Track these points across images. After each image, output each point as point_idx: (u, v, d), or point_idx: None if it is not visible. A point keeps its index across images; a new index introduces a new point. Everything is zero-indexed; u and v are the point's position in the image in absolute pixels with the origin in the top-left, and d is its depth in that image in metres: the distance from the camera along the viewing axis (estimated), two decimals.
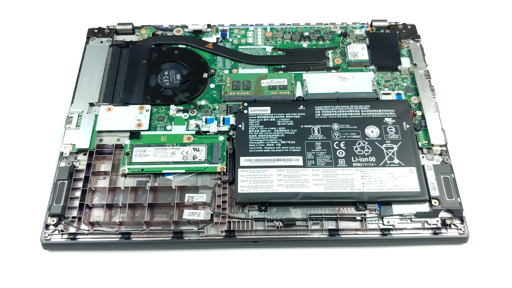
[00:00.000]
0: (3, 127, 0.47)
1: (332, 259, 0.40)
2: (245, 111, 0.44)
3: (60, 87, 0.49)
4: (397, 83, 0.47)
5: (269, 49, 0.50)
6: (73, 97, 0.46)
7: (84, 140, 0.43)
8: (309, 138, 0.43)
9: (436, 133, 0.43)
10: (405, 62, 0.48)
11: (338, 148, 0.42)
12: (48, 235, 0.39)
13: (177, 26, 0.51)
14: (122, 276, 0.39)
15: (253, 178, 0.40)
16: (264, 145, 0.42)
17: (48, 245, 0.39)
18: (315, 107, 0.44)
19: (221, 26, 0.51)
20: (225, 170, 0.41)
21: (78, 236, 0.39)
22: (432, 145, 0.43)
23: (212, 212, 0.39)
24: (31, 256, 0.40)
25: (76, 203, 0.40)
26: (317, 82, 0.46)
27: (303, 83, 0.47)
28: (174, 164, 0.42)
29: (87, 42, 0.50)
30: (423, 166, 0.41)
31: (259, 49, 0.50)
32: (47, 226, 0.39)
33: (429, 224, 0.39)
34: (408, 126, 0.43)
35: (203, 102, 0.46)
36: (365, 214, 0.40)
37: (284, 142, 0.42)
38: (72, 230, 0.39)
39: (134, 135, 0.44)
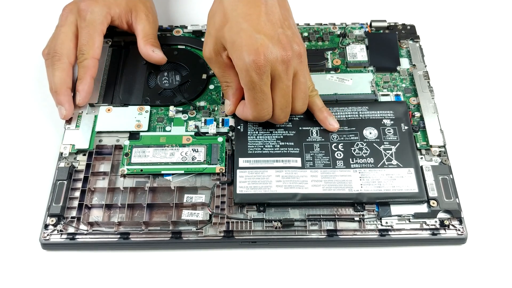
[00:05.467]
0: (3, 127, 0.47)
1: (330, 260, 0.40)
2: None
3: None
4: (396, 84, 0.47)
5: None
6: (73, 97, 0.46)
7: (83, 141, 0.43)
8: (307, 139, 0.43)
9: (434, 134, 0.43)
10: (404, 63, 0.48)
11: (336, 149, 0.42)
12: (47, 235, 0.39)
13: (177, 27, 0.52)
14: (121, 276, 0.39)
15: (252, 179, 0.40)
16: (262, 146, 0.42)
17: (47, 245, 0.39)
18: None
19: None
20: (224, 171, 0.41)
21: (77, 236, 0.39)
22: (431, 146, 0.43)
23: (210, 213, 0.40)
24: (30, 256, 0.40)
25: (75, 203, 0.40)
26: (316, 84, 0.45)
27: None
28: (173, 165, 0.42)
29: None
30: (421, 167, 0.41)
31: None
32: (46, 226, 0.39)
33: (428, 224, 0.39)
34: (406, 127, 0.43)
35: (202, 103, 0.46)
36: (363, 215, 0.40)
37: (283, 143, 0.42)
38: (71, 230, 0.39)
39: (134, 136, 0.44)
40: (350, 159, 0.42)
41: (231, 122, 0.44)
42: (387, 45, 0.49)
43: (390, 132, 0.43)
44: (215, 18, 0.39)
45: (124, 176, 0.42)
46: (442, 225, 0.39)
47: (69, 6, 0.47)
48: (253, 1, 0.38)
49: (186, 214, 0.40)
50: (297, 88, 0.40)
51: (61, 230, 0.39)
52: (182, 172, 0.42)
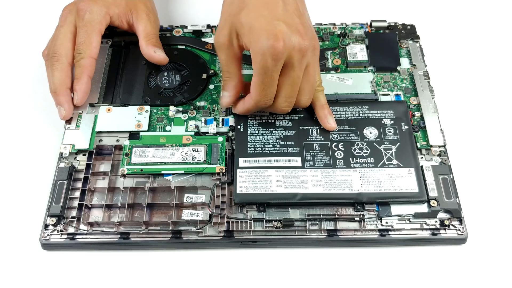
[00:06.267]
0: (3, 127, 0.47)
1: (330, 260, 0.40)
2: None
3: None
4: (396, 84, 0.47)
5: None
6: (73, 97, 0.46)
7: (83, 141, 0.43)
8: (307, 139, 0.43)
9: (435, 134, 0.43)
10: (404, 63, 0.48)
11: (336, 149, 0.42)
12: (47, 235, 0.39)
13: (177, 27, 0.52)
14: (121, 276, 0.39)
15: (252, 179, 0.40)
16: (263, 146, 0.42)
17: (47, 245, 0.39)
18: None
19: None
20: (224, 171, 0.41)
21: (77, 236, 0.39)
22: (431, 146, 0.43)
23: (210, 213, 0.40)
24: (30, 256, 0.40)
25: (76, 203, 0.40)
26: None
27: None
28: (173, 164, 0.42)
29: None
30: (421, 166, 0.41)
31: None
32: (46, 226, 0.39)
33: (428, 224, 0.39)
34: (406, 127, 0.43)
35: (202, 103, 0.46)
36: (363, 215, 0.40)
37: (283, 143, 0.42)
38: (71, 230, 0.39)
39: (134, 135, 0.44)
40: (350, 159, 0.41)
41: (231, 121, 0.44)
42: (387, 45, 0.49)
43: (390, 132, 0.43)
44: (232, 5, 0.39)
45: (124, 176, 0.42)
46: (442, 225, 0.39)
47: (69, 6, 0.47)
48: None
49: (186, 214, 0.40)
50: (306, 80, 0.40)
51: (61, 230, 0.39)
52: (182, 172, 0.42)
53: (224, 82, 0.42)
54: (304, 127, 0.43)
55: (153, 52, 0.46)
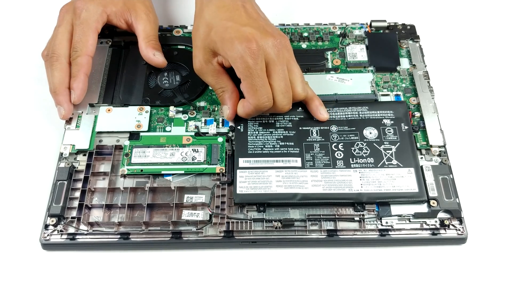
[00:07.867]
0: (3, 128, 0.47)
1: (330, 260, 0.40)
2: None
3: None
4: (396, 84, 0.47)
5: None
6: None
7: (83, 141, 0.43)
8: (307, 139, 0.43)
9: (434, 134, 0.43)
10: (404, 63, 0.48)
11: (336, 149, 0.42)
12: (48, 235, 0.39)
13: (177, 27, 0.52)
14: (121, 276, 0.39)
15: (252, 179, 0.41)
16: (263, 146, 0.42)
17: (48, 245, 0.39)
18: None
19: None
20: (224, 171, 0.41)
21: (77, 236, 0.39)
22: (431, 146, 0.43)
23: (211, 213, 0.40)
24: (31, 256, 0.40)
25: (76, 203, 0.40)
26: (316, 84, 0.46)
27: None
28: (173, 165, 0.42)
29: None
30: (421, 167, 0.41)
31: None
32: (46, 227, 0.39)
33: (428, 224, 0.40)
34: (406, 127, 0.43)
35: (202, 104, 0.46)
36: (363, 215, 0.40)
37: (283, 143, 0.42)
38: (71, 230, 0.39)
39: (134, 136, 0.44)
40: (350, 159, 0.42)
41: (231, 122, 0.44)
42: (387, 45, 0.49)
43: (390, 132, 0.43)
44: (199, 31, 0.42)
45: (124, 176, 0.42)
46: (442, 225, 0.39)
47: (66, 6, 0.47)
48: (232, 8, 0.41)
49: (186, 214, 0.40)
50: (293, 73, 0.41)
51: (61, 230, 0.39)
52: (182, 172, 0.42)
53: (220, 97, 0.43)
54: (304, 128, 0.43)
55: (152, 55, 0.46)
